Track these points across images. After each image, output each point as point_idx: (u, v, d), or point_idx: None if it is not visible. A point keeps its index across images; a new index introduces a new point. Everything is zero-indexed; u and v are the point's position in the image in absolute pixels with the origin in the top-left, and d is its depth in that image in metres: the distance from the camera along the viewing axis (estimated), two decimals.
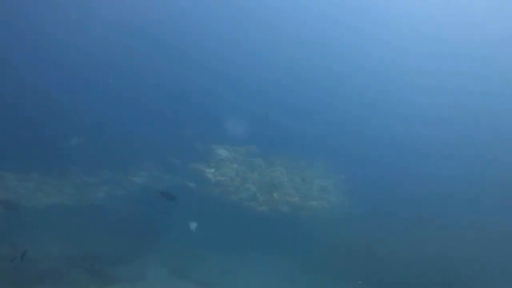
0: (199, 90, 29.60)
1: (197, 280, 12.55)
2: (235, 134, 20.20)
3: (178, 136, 20.15)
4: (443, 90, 31.99)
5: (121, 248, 13.14)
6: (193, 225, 14.18)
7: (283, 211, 16.25)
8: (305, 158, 19.31)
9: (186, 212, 15.30)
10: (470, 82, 30.96)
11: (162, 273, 12.26)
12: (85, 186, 16.55)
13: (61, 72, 26.80)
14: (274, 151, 19.07)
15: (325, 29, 32.03)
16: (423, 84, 32.26)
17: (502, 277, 13.02)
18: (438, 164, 22.07)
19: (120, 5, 27.43)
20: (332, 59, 33.03)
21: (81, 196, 15.96)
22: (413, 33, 32.09)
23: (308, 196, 16.82)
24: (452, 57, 31.56)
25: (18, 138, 17.64)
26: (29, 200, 13.32)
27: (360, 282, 12.41)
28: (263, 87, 32.50)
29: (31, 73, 25.39)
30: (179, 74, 29.70)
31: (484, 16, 28.84)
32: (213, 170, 16.93)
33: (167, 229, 15.09)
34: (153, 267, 12.45)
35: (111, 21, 27.49)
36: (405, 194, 17.95)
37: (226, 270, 13.65)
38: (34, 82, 24.16)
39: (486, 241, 14.28)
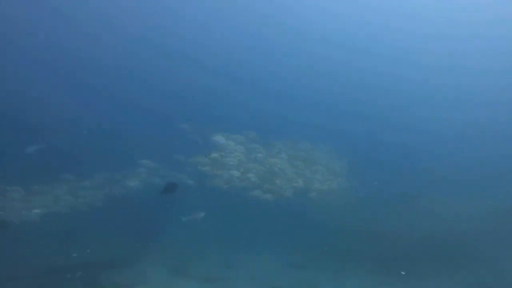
0: (191, 83, 29.18)
1: (200, 277, 12.17)
2: (233, 122, 19.60)
3: (174, 130, 19.56)
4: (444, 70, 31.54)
5: (119, 251, 12.82)
6: (195, 217, 13.77)
7: (287, 197, 15.66)
8: (306, 142, 18.61)
9: (186, 207, 14.89)
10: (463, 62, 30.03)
11: (162, 274, 11.89)
12: (79, 190, 16.14)
13: (50, 72, 26.34)
14: (274, 137, 18.39)
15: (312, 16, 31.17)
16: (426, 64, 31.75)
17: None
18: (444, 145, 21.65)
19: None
20: (329, 45, 32.42)
21: (77, 201, 15.57)
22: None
23: (312, 180, 16.16)
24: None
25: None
26: (17, 213, 12.90)
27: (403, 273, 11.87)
28: (261, 75, 32.14)
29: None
30: (169, 69, 29.21)
31: None
32: (212, 161, 16.31)
33: (167, 227, 14.74)
34: (154, 268, 12.08)
35: (97, 18, 26.79)
36: (406, 173, 17.29)
37: (230, 264, 13.26)
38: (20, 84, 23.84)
39: (484, 216, 14.36)
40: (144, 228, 14.98)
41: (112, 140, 20.55)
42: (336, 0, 30.34)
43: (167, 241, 14.51)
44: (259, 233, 15.19)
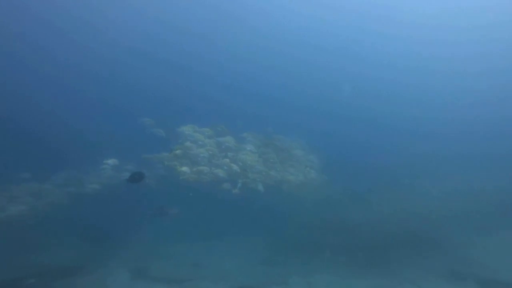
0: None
1: (165, 278, 11.61)
2: (200, 116, 18.97)
3: (137, 126, 18.68)
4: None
5: (78, 255, 12.09)
6: (164, 213, 13.18)
7: (258, 192, 15.23)
8: (278, 136, 18.19)
9: (152, 204, 14.27)
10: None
11: (124, 278, 11.23)
12: (38, 190, 15.15)
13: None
14: (244, 128, 17.84)
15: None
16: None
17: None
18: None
19: None
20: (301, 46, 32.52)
21: (36, 202, 14.59)
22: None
23: (283, 174, 15.75)
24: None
25: None
26: None
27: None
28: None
29: None
30: (130, 66, 28.26)
31: None
32: (178, 155, 15.58)
33: (131, 226, 14.10)
34: (114, 272, 11.42)
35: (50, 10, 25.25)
36: (376, 165, 17.31)
37: (198, 262, 12.79)
38: None
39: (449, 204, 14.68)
40: (106, 229, 14.28)
41: (73, 138, 19.55)
42: None
43: (131, 242, 13.87)
44: (228, 229, 14.78)
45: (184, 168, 12.78)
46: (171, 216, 14.27)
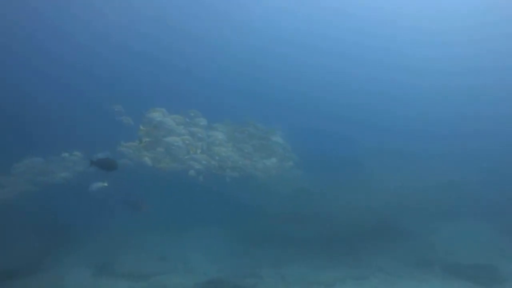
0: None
1: (130, 274, 10.95)
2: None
3: (104, 113, 17.52)
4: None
5: (35, 253, 11.25)
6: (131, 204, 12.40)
7: (230, 181, 14.59)
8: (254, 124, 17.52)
9: (116, 195, 13.44)
10: None
11: (84, 276, 10.52)
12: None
13: None
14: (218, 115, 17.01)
15: None
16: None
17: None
18: None
19: None
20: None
21: None
22: None
23: (257, 164, 15.11)
24: None
25: None
26: None
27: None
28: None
29: None
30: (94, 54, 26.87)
31: None
32: (147, 143, 14.61)
33: (95, 219, 13.31)
34: (74, 270, 10.68)
35: None
36: (350, 159, 17.16)
37: (165, 255, 12.18)
38: None
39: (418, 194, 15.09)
40: (67, 223, 13.43)
41: (35, 126, 18.29)
42: None
43: (94, 235, 13.09)
44: (198, 220, 14.23)
45: (147, 159, 11.93)
46: (143, 210, 13.45)
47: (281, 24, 32.65)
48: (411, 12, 31.45)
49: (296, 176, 14.40)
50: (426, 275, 10.72)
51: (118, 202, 13.60)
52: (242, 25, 31.64)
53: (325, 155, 17.06)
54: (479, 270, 10.77)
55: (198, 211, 14.62)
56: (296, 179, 14.43)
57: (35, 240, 12.15)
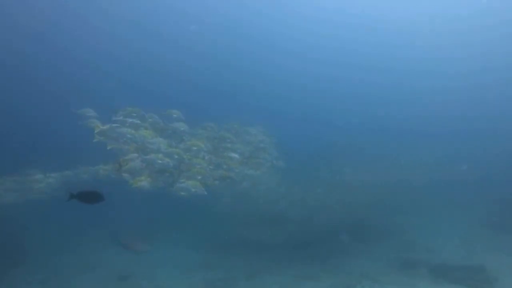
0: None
1: None
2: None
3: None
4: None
5: None
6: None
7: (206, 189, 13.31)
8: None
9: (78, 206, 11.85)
10: None
11: None
12: None
13: None
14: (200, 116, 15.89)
15: None
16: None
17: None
18: None
19: None
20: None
21: None
22: None
23: (233, 169, 13.94)
24: None
25: None
26: None
27: None
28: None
29: None
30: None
31: None
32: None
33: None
34: None
35: None
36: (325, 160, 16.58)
37: (126, 274, 10.70)
38: None
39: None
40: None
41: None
42: None
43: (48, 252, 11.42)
44: (163, 231, 12.85)
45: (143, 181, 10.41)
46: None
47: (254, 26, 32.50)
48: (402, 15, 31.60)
49: (270, 180, 13.43)
50: (413, 279, 9.88)
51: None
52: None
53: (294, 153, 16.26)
54: (466, 269, 10.14)
55: (163, 222, 13.28)
56: (269, 183, 13.45)
57: None
